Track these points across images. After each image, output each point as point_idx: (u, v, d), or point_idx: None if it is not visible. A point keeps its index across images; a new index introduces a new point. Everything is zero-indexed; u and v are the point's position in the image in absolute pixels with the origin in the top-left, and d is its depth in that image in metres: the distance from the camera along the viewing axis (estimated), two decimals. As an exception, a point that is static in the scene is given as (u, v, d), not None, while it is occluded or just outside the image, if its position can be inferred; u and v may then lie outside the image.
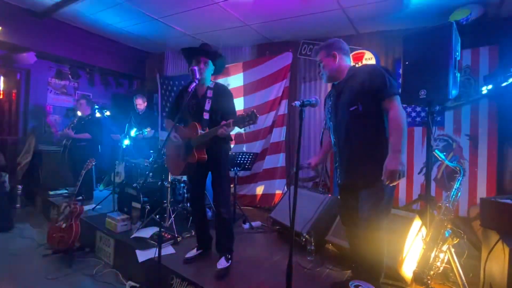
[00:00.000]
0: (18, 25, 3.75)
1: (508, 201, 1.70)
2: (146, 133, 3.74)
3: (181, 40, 4.36)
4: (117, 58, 5.05)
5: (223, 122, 1.81)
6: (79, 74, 4.91)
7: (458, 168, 1.98)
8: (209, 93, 2.09)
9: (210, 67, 2.13)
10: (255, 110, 1.71)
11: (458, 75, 2.09)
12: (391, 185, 1.50)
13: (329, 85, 3.76)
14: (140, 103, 4.11)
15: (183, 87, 2.26)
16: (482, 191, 2.82)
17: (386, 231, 1.63)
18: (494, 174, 2.79)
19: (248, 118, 1.69)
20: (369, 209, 1.59)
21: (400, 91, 1.60)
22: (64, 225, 2.54)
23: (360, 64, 3.30)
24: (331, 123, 1.81)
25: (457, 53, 2.03)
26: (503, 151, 2.81)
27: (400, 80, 2.25)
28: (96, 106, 4.31)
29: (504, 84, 2.45)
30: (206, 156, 2.00)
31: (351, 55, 3.24)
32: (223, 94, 2.10)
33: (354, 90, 1.64)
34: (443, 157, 1.99)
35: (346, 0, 2.88)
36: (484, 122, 2.83)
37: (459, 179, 1.96)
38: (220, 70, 2.28)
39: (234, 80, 4.36)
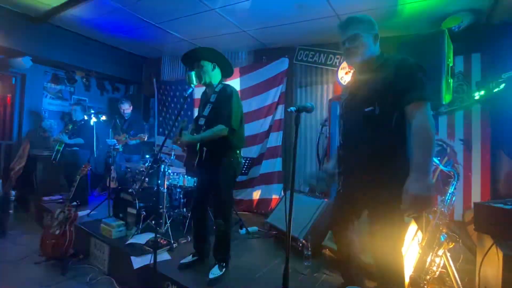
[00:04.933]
0: (14, 29, 3.73)
1: (502, 205, 1.71)
2: (134, 142, 3.75)
3: (178, 46, 4.37)
4: (114, 63, 5.04)
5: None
6: (75, 79, 4.90)
7: (452, 173, 2.01)
8: (212, 98, 2.08)
9: (209, 70, 2.09)
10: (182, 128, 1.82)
11: (451, 81, 2.13)
12: (412, 215, 1.22)
13: (325, 89, 3.84)
14: (127, 108, 4.11)
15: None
16: (476, 195, 2.84)
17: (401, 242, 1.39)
18: (488, 178, 2.82)
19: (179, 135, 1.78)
20: (385, 239, 1.35)
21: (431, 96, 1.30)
22: (58, 232, 2.51)
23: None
24: (342, 121, 1.53)
25: (449, 60, 2.07)
26: (496, 155, 2.85)
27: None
28: (92, 111, 4.30)
29: (495, 90, 2.50)
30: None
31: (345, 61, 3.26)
32: (222, 99, 2.05)
33: (374, 86, 1.33)
34: (437, 161, 2.01)
35: (341, 8, 2.93)
36: (477, 127, 2.87)
37: (453, 184, 1.98)
38: (229, 72, 2.25)
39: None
